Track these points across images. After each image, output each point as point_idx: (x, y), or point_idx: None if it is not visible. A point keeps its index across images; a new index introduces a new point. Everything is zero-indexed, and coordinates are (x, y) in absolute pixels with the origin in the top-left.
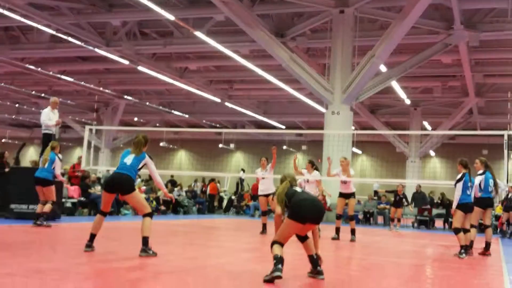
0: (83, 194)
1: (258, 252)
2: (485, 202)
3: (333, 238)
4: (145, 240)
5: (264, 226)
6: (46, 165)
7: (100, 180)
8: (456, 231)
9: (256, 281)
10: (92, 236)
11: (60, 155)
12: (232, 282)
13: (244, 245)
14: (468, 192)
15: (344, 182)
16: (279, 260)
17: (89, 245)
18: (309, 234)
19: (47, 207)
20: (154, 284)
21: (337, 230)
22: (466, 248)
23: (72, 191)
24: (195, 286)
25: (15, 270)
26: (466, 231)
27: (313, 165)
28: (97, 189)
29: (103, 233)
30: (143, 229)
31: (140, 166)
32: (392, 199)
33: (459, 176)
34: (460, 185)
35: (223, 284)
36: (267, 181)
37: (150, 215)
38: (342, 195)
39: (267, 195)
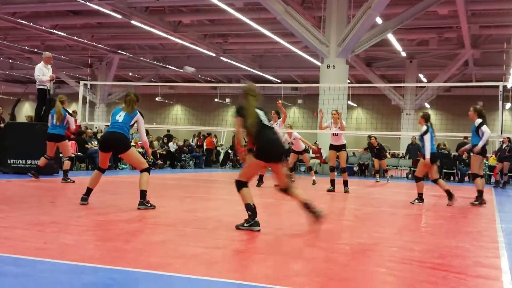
0: (80, 149)
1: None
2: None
3: (329, 190)
4: (143, 194)
5: (261, 177)
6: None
7: (97, 135)
8: (418, 179)
9: (252, 232)
10: (89, 190)
11: (69, 110)
12: (229, 233)
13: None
14: (433, 142)
15: (335, 135)
16: (254, 211)
17: (85, 199)
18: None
19: (66, 164)
20: (153, 235)
21: (332, 182)
22: (422, 196)
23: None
24: (193, 237)
25: (15, 223)
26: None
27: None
28: (93, 144)
29: (102, 187)
30: (140, 183)
31: (132, 123)
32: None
33: (424, 128)
34: (428, 136)
35: (220, 234)
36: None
37: (147, 170)
38: (333, 147)
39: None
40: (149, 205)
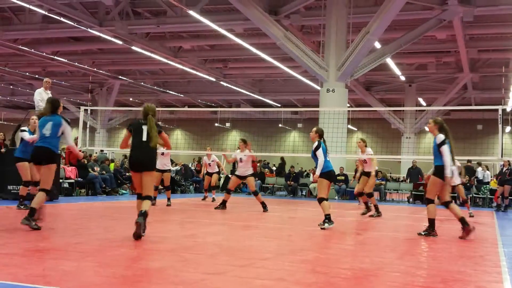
0: (80, 174)
1: (254, 229)
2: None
3: (363, 214)
4: (32, 211)
5: (224, 202)
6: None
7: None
8: (321, 200)
9: (252, 257)
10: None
11: None
12: (229, 258)
13: (241, 222)
14: (328, 159)
15: (364, 161)
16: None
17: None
18: None
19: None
20: (153, 261)
21: (366, 204)
22: (330, 218)
23: (69, 172)
24: (193, 263)
25: (14, 249)
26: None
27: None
28: (97, 170)
29: (101, 213)
30: (35, 201)
31: (59, 133)
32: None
33: (316, 144)
34: (321, 151)
35: (220, 260)
36: (245, 164)
37: (46, 191)
38: (363, 173)
39: (242, 177)
40: (34, 224)
